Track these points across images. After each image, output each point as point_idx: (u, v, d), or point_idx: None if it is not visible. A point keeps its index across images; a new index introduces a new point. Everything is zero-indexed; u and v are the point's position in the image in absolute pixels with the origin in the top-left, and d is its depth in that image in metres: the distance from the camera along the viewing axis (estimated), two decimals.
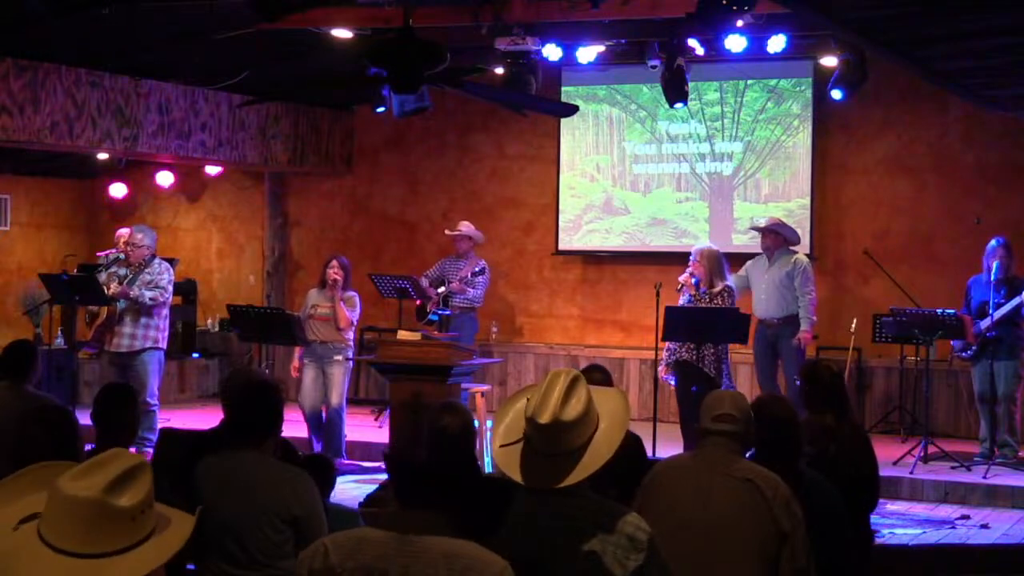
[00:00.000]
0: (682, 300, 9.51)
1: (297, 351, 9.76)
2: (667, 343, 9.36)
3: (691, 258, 9.50)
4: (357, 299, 9.75)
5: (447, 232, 11.78)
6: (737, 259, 10.47)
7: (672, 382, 9.52)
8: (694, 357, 9.11)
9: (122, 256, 9.66)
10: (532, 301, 12.83)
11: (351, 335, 9.83)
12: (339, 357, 9.58)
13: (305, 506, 4.26)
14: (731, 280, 9.54)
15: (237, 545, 4.21)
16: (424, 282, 11.31)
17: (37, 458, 2.64)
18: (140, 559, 2.42)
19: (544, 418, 3.16)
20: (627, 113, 12.24)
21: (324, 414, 9.67)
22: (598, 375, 5.10)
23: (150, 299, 9.35)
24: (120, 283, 9.44)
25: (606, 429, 3.25)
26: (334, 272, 9.65)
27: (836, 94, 10.22)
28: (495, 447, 3.32)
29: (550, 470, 3.18)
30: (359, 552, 2.87)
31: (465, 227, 11.52)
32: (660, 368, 9.63)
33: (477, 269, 11.01)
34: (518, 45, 9.92)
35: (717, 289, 9.30)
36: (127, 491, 2.40)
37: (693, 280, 9.38)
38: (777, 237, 10.19)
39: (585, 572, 3.13)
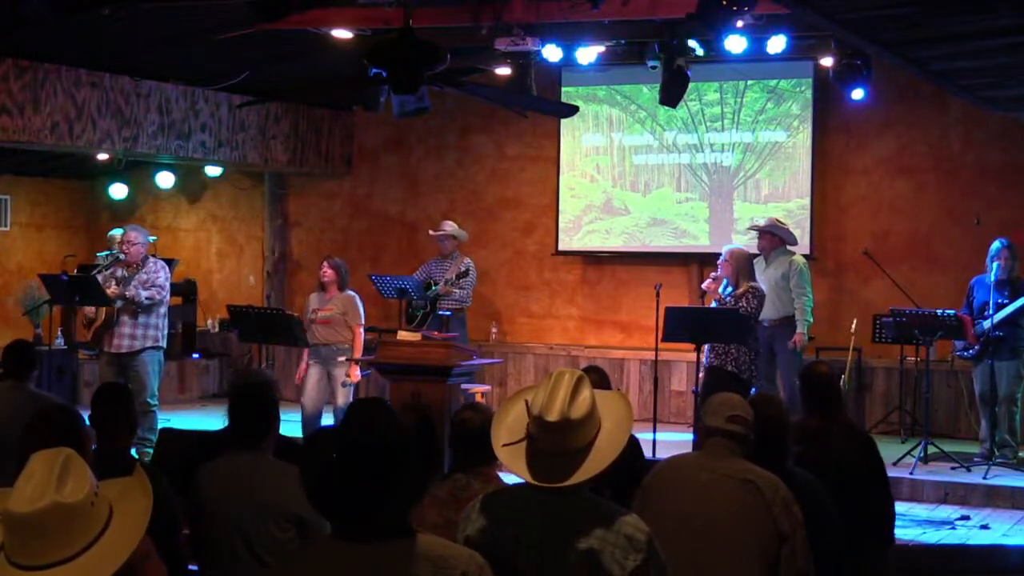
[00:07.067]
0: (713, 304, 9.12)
1: (305, 353, 9.75)
2: (704, 350, 8.94)
3: (720, 258, 9.09)
4: (357, 300, 9.72)
5: (431, 232, 11.73)
6: None
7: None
8: (723, 361, 8.79)
9: (121, 256, 9.66)
10: (532, 301, 12.82)
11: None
12: (343, 358, 9.56)
13: (308, 505, 4.24)
14: (759, 281, 9.19)
15: (244, 545, 4.23)
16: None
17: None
18: (117, 540, 2.44)
19: (552, 416, 3.16)
20: (627, 113, 12.24)
21: (333, 413, 9.62)
22: (594, 376, 5.09)
23: (147, 298, 9.33)
24: (118, 284, 9.43)
25: (610, 429, 3.26)
26: (323, 274, 9.76)
27: (858, 93, 10.12)
28: (497, 446, 3.32)
29: (556, 468, 3.18)
30: None
31: (449, 226, 11.50)
32: (703, 375, 9.39)
33: (462, 269, 10.97)
34: (518, 45, 9.92)
35: (741, 290, 8.87)
36: (72, 486, 2.44)
37: (723, 285, 8.98)
38: (774, 238, 10.13)
39: (583, 572, 3.13)
